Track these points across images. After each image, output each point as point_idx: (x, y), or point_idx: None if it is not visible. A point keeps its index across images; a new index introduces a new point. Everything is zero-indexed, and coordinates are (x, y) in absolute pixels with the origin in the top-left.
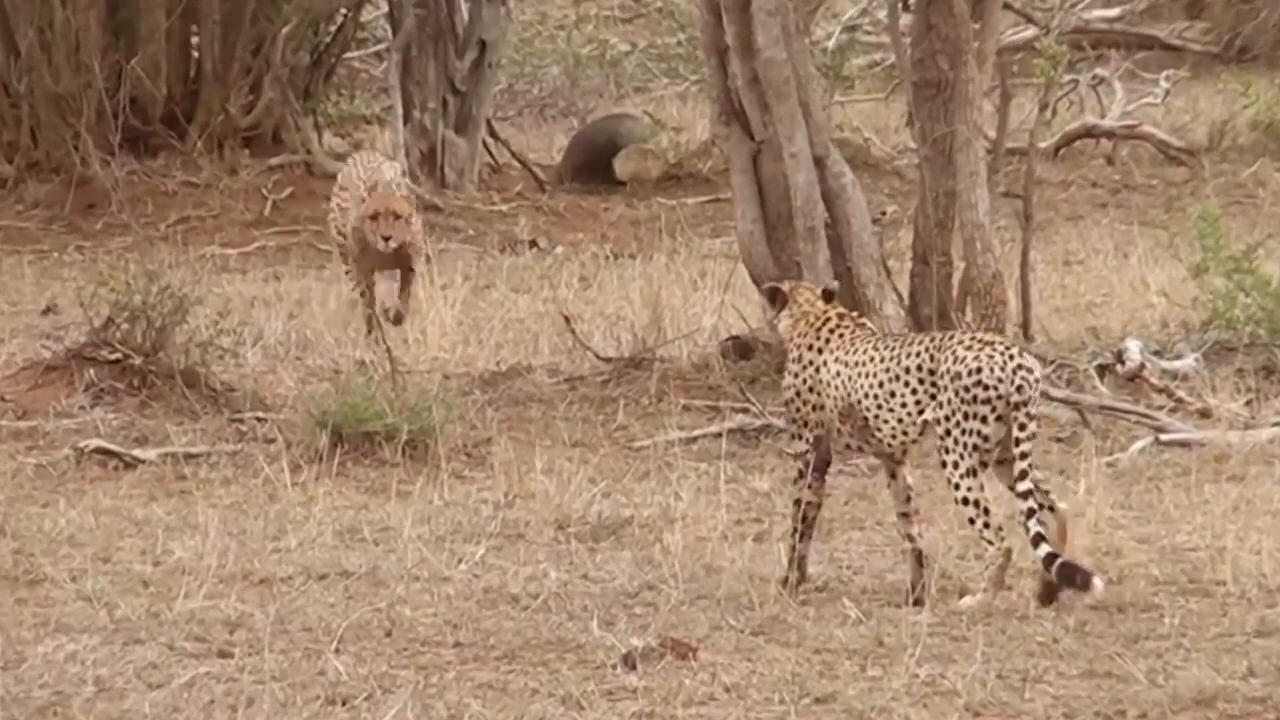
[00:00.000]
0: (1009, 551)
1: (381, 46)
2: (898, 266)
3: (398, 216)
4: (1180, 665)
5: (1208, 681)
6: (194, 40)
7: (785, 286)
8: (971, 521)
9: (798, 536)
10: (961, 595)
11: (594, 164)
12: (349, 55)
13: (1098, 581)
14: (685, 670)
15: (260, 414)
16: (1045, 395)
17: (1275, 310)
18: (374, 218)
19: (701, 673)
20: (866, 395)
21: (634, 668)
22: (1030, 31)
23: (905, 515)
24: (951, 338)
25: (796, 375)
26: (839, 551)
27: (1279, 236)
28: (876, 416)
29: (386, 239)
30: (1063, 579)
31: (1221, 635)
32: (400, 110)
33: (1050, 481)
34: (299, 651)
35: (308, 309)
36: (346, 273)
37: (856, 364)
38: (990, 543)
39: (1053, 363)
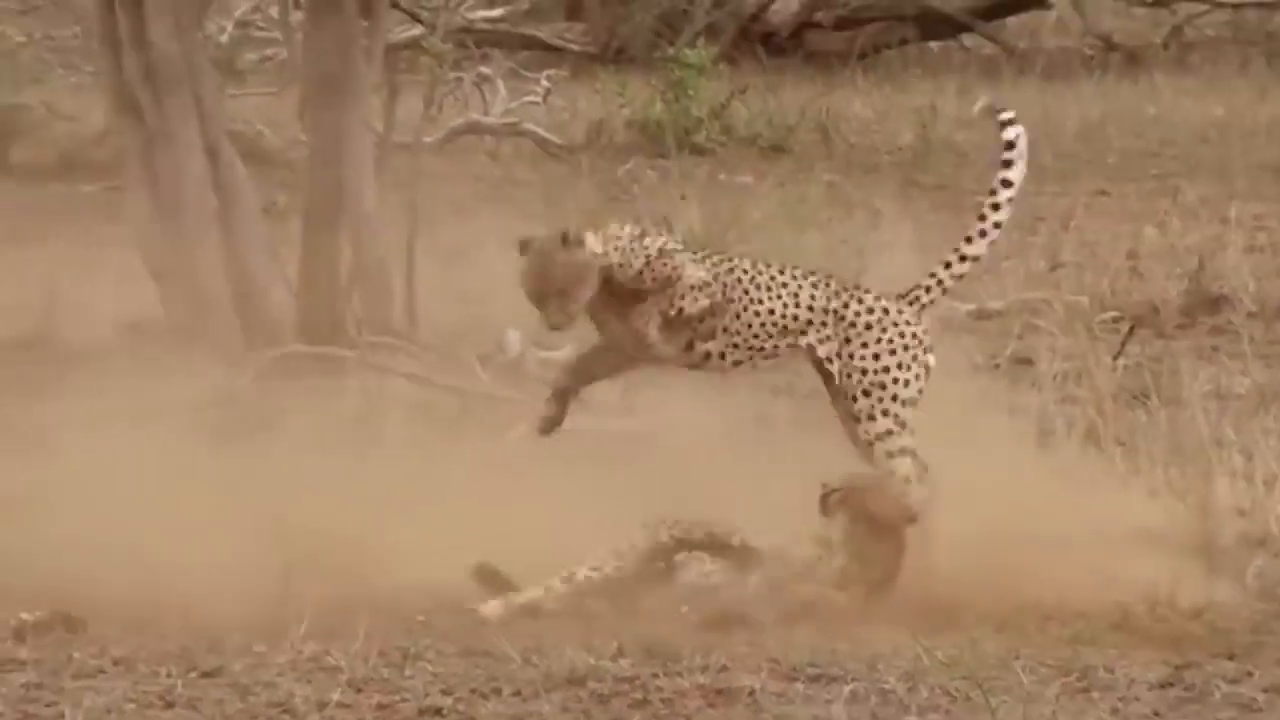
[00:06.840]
0: None
1: None
2: (287, 254)
3: None
4: (554, 646)
5: (579, 661)
6: None
7: None
8: None
9: None
10: None
11: None
12: None
13: None
14: (75, 643)
15: None
16: (431, 381)
17: None
18: None
19: (91, 646)
20: None
21: (24, 640)
22: (417, 30)
23: None
24: None
25: None
26: None
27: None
28: None
29: None
30: None
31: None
32: None
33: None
34: None
35: None
36: None
37: None
38: None
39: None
